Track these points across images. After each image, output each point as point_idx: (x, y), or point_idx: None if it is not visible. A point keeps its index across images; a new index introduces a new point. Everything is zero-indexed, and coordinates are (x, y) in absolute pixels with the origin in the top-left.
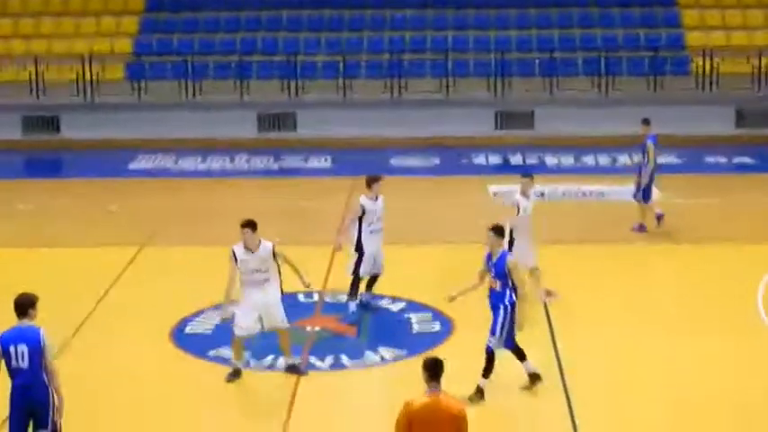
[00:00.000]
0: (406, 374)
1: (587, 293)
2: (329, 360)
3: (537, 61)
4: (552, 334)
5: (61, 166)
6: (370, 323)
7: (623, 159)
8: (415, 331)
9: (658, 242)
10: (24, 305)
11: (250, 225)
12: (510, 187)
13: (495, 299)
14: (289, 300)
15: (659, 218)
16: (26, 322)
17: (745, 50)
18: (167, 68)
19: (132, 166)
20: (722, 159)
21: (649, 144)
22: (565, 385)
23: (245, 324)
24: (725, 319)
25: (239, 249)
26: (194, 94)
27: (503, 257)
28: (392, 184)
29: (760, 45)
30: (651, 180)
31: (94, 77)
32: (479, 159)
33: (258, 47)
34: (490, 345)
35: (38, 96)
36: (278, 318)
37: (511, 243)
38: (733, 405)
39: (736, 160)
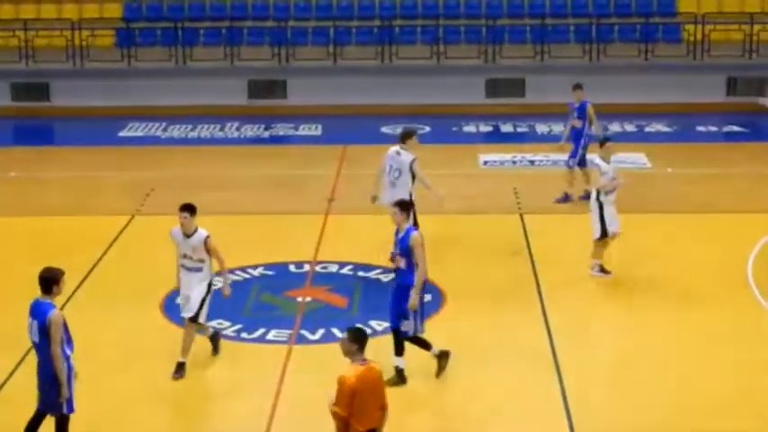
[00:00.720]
0: None
1: (582, 264)
2: (320, 332)
3: (528, 28)
4: (543, 306)
5: (51, 133)
6: (360, 294)
7: (615, 127)
8: None
9: (649, 211)
10: (47, 281)
11: (189, 209)
12: (501, 156)
13: (401, 277)
14: (279, 270)
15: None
16: (46, 298)
17: (737, 17)
18: (157, 35)
19: (122, 133)
20: (713, 128)
21: (590, 107)
22: (555, 355)
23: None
24: (717, 289)
25: (176, 232)
26: (184, 61)
27: (407, 234)
28: (381, 153)
29: (752, 12)
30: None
31: (84, 43)
32: (470, 128)
33: (248, 12)
34: (407, 330)
35: (27, 63)
36: (190, 306)
37: (601, 208)
38: (731, 377)
39: (727, 129)
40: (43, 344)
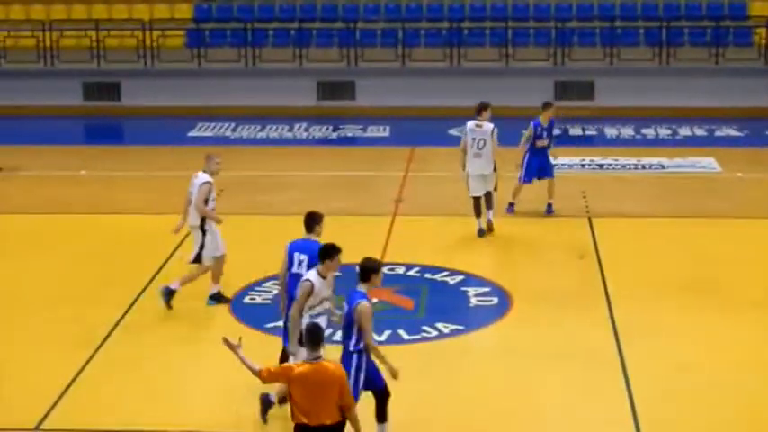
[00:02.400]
0: (464, 349)
1: (646, 268)
2: (386, 333)
3: (597, 30)
4: (610, 308)
5: (121, 132)
6: (427, 296)
7: (684, 131)
8: (472, 305)
9: (720, 215)
10: (366, 271)
11: (339, 251)
12: (569, 159)
13: None
14: (346, 271)
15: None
16: (362, 287)
17: None
18: (227, 35)
19: (191, 133)
20: None
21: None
22: (622, 357)
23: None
24: None
25: (317, 279)
26: (253, 62)
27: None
28: (449, 155)
29: None
30: None
31: (155, 44)
32: None
33: (318, 14)
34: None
35: (98, 63)
36: None
37: None
38: None
39: None
40: (346, 331)
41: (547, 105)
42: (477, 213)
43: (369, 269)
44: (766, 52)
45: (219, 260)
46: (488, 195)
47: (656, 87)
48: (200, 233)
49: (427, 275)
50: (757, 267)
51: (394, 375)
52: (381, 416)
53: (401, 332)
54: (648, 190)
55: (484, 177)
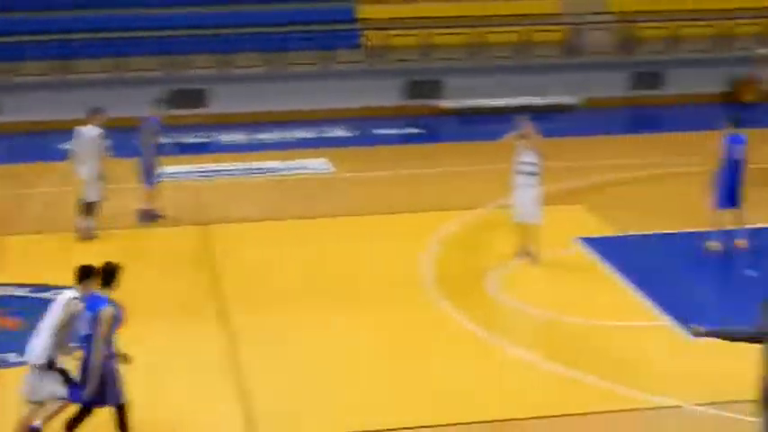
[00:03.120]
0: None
1: (263, 272)
2: None
3: (212, 38)
4: (226, 316)
5: None
6: (37, 315)
7: (296, 134)
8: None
9: (331, 216)
10: (109, 275)
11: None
12: (182, 167)
13: None
14: None
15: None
16: (105, 292)
17: (417, 22)
18: None
19: None
20: (392, 131)
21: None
22: (240, 367)
23: None
24: (392, 287)
25: None
26: None
27: None
28: (64, 170)
29: (431, 16)
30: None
31: None
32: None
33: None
34: None
35: None
36: None
37: None
38: (412, 367)
39: (406, 131)
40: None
41: (159, 104)
42: (87, 214)
43: (113, 272)
44: (373, 54)
45: None
46: (89, 205)
47: (267, 92)
48: None
49: (37, 295)
50: (373, 263)
51: None
52: (124, 428)
53: (10, 355)
54: (263, 194)
55: (89, 183)
